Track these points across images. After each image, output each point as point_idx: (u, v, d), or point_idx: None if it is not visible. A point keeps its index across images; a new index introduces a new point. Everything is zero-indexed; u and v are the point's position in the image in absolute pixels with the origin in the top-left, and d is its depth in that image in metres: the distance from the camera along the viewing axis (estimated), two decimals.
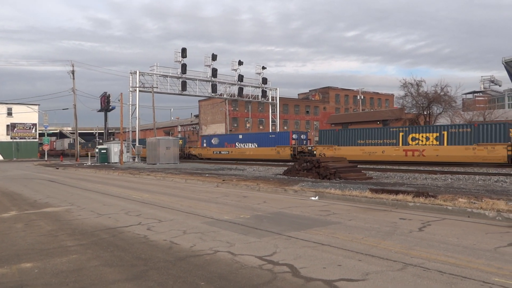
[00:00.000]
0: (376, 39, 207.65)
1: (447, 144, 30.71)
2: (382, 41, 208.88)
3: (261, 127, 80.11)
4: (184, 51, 46.49)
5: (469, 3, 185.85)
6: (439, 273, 5.09)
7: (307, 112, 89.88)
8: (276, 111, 59.09)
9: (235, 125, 79.94)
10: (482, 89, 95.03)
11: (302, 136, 44.78)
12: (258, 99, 57.76)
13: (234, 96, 54.90)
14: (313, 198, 12.84)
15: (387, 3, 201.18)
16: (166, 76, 47.03)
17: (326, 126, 75.74)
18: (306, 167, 21.57)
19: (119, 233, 7.94)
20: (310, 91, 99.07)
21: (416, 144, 32.33)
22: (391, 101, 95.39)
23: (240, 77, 52.91)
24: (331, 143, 37.51)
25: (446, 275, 5.04)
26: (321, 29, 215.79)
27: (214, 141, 51.03)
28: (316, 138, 58.63)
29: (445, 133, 31.06)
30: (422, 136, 32.19)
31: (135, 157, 45.00)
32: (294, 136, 43.48)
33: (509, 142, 28.19)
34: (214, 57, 49.76)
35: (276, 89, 58.67)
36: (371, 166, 29.12)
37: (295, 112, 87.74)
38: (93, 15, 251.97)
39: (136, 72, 44.99)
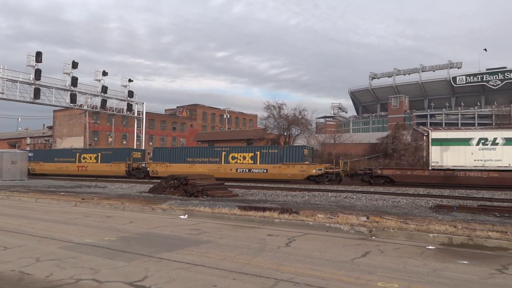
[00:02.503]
0: (244, 62, 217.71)
1: (101, 162, 43.78)
2: (250, 64, 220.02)
3: (124, 142, 76.36)
4: (39, 54, 41.94)
5: (323, 37, 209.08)
6: (308, 287, 5.39)
7: (174, 128, 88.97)
8: (142, 126, 57.05)
9: (96, 139, 74.72)
10: (332, 115, 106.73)
11: None
12: (123, 112, 54.97)
13: (96, 108, 51.29)
14: (182, 216, 12.58)
15: (255, 29, 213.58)
16: (16, 81, 41.62)
17: (193, 143, 75.88)
18: (173, 184, 21.16)
19: None
20: (177, 107, 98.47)
21: (85, 162, 45.47)
22: (255, 121, 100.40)
23: (104, 88, 49.81)
24: (42, 160, 48.90)
25: None
26: (193, 46, 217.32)
27: None
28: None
29: (100, 154, 44.78)
30: (89, 156, 45.56)
31: None
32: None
33: (128, 162, 41.01)
34: (75, 65, 45.97)
35: (143, 103, 56.76)
36: (236, 184, 29.99)
37: (161, 128, 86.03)
38: None
39: None
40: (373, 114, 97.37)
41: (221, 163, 36.09)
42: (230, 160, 35.91)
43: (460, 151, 28.42)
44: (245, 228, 10.49)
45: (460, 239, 8.52)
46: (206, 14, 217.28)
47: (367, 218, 11.21)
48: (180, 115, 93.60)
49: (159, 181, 24.07)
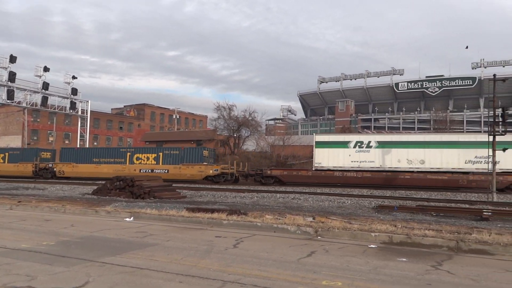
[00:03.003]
0: (195, 62, 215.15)
1: (8, 162, 42.70)
2: (201, 64, 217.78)
3: (67, 142, 72.97)
4: None
5: (276, 40, 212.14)
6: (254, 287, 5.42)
7: (121, 128, 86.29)
8: (86, 125, 54.77)
9: (35, 138, 70.80)
10: (282, 117, 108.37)
11: None
12: (66, 110, 52.49)
13: (36, 106, 48.61)
14: (128, 219, 12.22)
15: (207, 29, 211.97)
16: None
17: (141, 144, 74.00)
18: (119, 186, 20.53)
19: None
20: (125, 106, 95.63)
21: None
22: (205, 122, 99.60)
23: (45, 85, 47.26)
24: None
25: None
26: (142, 44, 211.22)
27: None
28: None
29: (7, 154, 43.61)
30: None
31: None
32: None
33: (35, 162, 40.33)
34: (13, 59, 43.27)
35: (88, 101, 54.57)
36: (185, 185, 29.62)
37: (107, 127, 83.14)
38: None
39: None
40: (321, 117, 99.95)
41: (126, 163, 37.08)
42: (135, 161, 36.94)
43: (339, 153, 31.04)
44: (192, 230, 10.38)
45: (399, 237, 8.93)
46: (156, 11, 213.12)
47: (313, 218, 11.48)
48: (128, 115, 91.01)
49: (103, 182, 23.32)
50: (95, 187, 22.98)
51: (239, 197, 21.10)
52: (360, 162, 30.53)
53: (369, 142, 30.73)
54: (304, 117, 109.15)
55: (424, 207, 16.35)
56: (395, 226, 10.24)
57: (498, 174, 27.43)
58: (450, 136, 32.57)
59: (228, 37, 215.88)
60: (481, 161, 28.36)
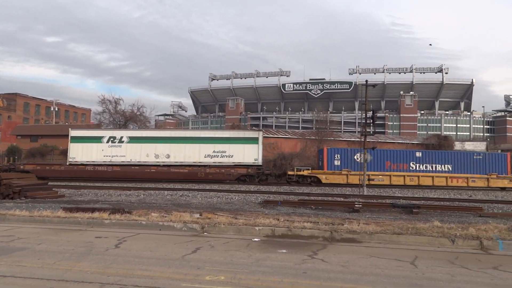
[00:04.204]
0: (79, 50, 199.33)
1: None
2: (86, 53, 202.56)
3: None
4: None
5: (167, 34, 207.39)
6: None
7: None
8: None
9: None
10: (172, 113, 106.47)
11: None
12: None
13: None
14: None
15: (93, 16, 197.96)
16: None
17: (11, 138, 66.24)
18: None
19: None
20: None
21: None
22: (88, 115, 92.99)
23: None
24: None
25: None
26: (16, 27, 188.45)
27: None
28: None
29: None
30: None
31: None
32: None
33: None
34: None
35: None
36: (64, 184, 27.35)
37: None
38: None
39: None
40: (212, 114, 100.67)
41: None
42: None
43: (93, 148, 32.41)
44: (69, 231, 9.62)
45: (281, 230, 9.41)
46: None
47: (200, 215, 11.49)
48: None
49: None
50: None
51: (125, 195, 20.19)
52: (112, 156, 31.81)
53: (122, 137, 32.17)
54: (195, 113, 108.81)
55: (305, 201, 17.49)
56: (278, 219, 10.76)
57: (230, 167, 31.04)
58: (193, 132, 35.89)
59: (117, 27, 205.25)
60: (218, 155, 31.37)
